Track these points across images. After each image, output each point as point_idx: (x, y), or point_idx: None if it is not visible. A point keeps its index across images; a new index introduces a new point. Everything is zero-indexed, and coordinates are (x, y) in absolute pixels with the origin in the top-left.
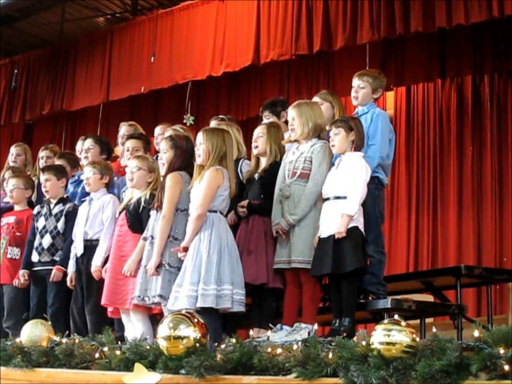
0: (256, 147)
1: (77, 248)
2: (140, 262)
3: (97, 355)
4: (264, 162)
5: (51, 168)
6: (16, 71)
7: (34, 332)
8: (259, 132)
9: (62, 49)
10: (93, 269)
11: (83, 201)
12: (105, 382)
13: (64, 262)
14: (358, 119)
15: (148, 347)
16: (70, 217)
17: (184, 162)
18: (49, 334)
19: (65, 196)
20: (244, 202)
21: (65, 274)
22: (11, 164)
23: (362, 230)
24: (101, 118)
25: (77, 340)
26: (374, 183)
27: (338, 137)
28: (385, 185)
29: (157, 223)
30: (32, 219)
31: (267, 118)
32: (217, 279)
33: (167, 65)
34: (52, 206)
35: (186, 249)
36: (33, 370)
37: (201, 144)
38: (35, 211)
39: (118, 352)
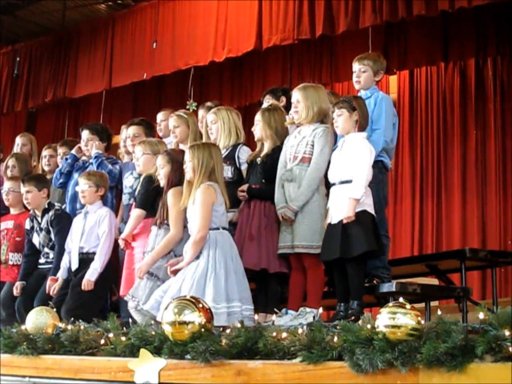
0: (256, 133)
1: (72, 263)
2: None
3: (102, 341)
4: (266, 147)
5: (31, 179)
6: (18, 59)
7: (39, 319)
8: (256, 119)
9: (64, 36)
10: (85, 282)
11: (77, 212)
12: (110, 368)
13: (56, 272)
14: (361, 98)
15: (153, 332)
16: (55, 224)
17: (181, 176)
18: (54, 321)
19: (46, 205)
20: (244, 186)
21: None
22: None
23: (372, 212)
24: (104, 105)
25: (82, 327)
26: (378, 167)
27: (342, 118)
28: (389, 169)
29: (158, 239)
30: (27, 234)
31: (267, 101)
32: (226, 297)
33: (170, 51)
34: (40, 220)
35: (176, 272)
36: (38, 357)
37: (189, 162)
38: (27, 225)
39: (123, 338)
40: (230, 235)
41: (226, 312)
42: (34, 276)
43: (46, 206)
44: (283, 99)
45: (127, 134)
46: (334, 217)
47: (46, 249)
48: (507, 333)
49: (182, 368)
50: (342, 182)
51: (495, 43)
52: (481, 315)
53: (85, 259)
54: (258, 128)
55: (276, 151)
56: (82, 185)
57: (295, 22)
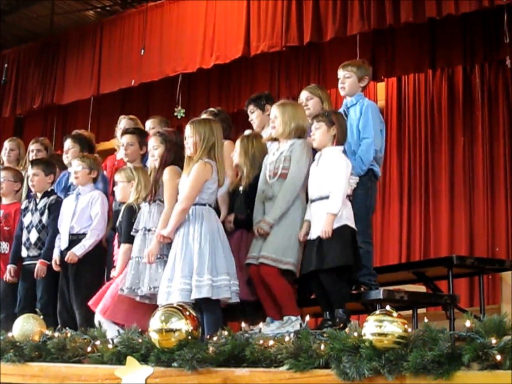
0: (235, 159)
1: (62, 242)
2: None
3: (89, 349)
4: (245, 175)
5: (40, 162)
6: (6, 65)
7: (26, 326)
8: (235, 146)
9: (52, 42)
10: (69, 255)
11: (70, 186)
12: (97, 375)
13: (47, 255)
14: (340, 113)
15: (140, 340)
16: (53, 210)
17: (175, 156)
18: (41, 328)
19: (49, 189)
20: (230, 217)
21: (49, 267)
22: (5, 158)
23: (352, 225)
24: (92, 111)
25: (69, 334)
26: (368, 175)
27: (319, 131)
28: (378, 177)
29: (150, 215)
30: (20, 214)
31: (252, 112)
32: (211, 270)
33: (158, 58)
34: (38, 200)
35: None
36: (25, 364)
37: (190, 137)
38: (23, 206)
39: (110, 346)
40: (215, 213)
41: (210, 285)
42: (23, 278)
43: (49, 190)
44: (268, 107)
45: (121, 143)
46: (313, 233)
47: (32, 232)
48: (493, 341)
49: (169, 376)
50: (321, 198)
51: (482, 50)
52: (468, 323)
53: (75, 240)
54: (236, 155)
55: (256, 179)
56: (75, 166)
57: (283, 29)
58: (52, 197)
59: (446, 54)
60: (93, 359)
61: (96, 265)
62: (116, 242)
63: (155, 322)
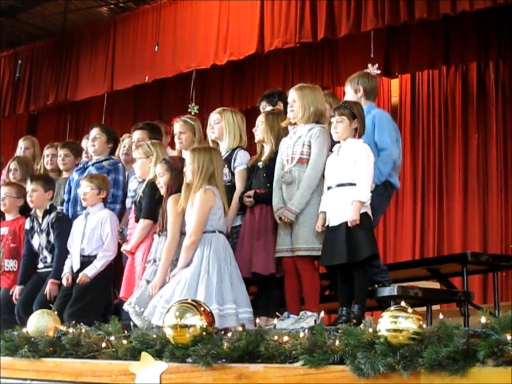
0: (257, 135)
1: (74, 264)
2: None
3: (103, 345)
4: (267, 150)
5: (39, 178)
6: (20, 62)
7: (40, 322)
8: (258, 121)
9: (66, 39)
10: (81, 277)
11: (79, 214)
12: (112, 371)
13: (56, 275)
14: (360, 104)
15: (154, 336)
16: (56, 227)
17: (181, 183)
18: (55, 324)
19: (48, 207)
20: (251, 192)
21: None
22: None
23: (371, 215)
24: (106, 108)
25: (83, 330)
26: (384, 184)
27: (342, 124)
28: (396, 188)
29: (159, 247)
30: (26, 234)
31: (264, 108)
32: (218, 299)
33: (171, 54)
34: (40, 220)
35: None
36: (39, 360)
37: (189, 164)
38: (27, 225)
39: (124, 342)
40: (225, 239)
41: (217, 314)
42: (33, 279)
43: (48, 208)
44: (280, 104)
45: (133, 139)
46: (332, 220)
47: (45, 252)
48: (509, 337)
49: (183, 372)
50: (340, 185)
51: (496, 46)
52: (483, 319)
53: (87, 262)
54: (260, 130)
55: (277, 155)
56: (84, 187)
57: (297, 26)
58: (52, 215)
59: (460, 50)
60: (107, 355)
61: (102, 284)
62: (131, 215)
63: (170, 318)
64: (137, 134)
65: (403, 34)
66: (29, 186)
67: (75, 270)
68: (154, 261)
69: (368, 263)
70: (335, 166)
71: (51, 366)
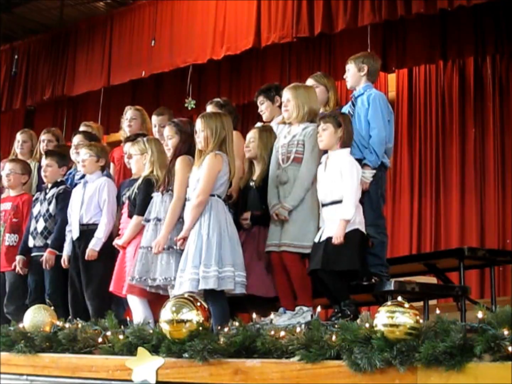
0: (249, 151)
1: (73, 232)
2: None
3: (100, 340)
4: (258, 169)
5: (54, 153)
6: (16, 57)
7: (37, 317)
8: (251, 137)
9: (62, 34)
10: (89, 252)
11: (76, 184)
12: (108, 366)
13: (56, 245)
14: (347, 115)
15: (151, 331)
16: (61, 199)
17: (189, 146)
18: (52, 319)
19: (59, 180)
20: (247, 214)
21: (57, 257)
22: (18, 150)
23: (363, 230)
24: (102, 103)
25: (80, 325)
26: (378, 166)
27: (326, 132)
28: (387, 167)
29: (162, 205)
30: (31, 205)
31: (261, 103)
32: (218, 261)
33: (168, 49)
34: (47, 191)
35: (185, 238)
36: (36, 355)
37: (201, 131)
38: (34, 197)
39: (121, 337)
40: (224, 204)
41: (216, 276)
42: (32, 269)
43: (58, 181)
44: (278, 98)
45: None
46: (323, 235)
47: (40, 221)
48: (505, 332)
49: (180, 367)
50: (333, 203)
51: (494, 41)
52: (480, 314)
53: (86, 231)
54: (253, 146)
55: (272, 155)
56: (83, 154)
57: (293, 20)
58: (61, 187)
59: (458, 45)
60: (104, 350)
61: (108, 255)
62: (124, 210)
63: (166, 313)
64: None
65: (400, 29)
66: (44, 161)
67: (74, 238)
68: (157, 219)
69: (343, 276)
70: (325, 182)
71: (47, 361)
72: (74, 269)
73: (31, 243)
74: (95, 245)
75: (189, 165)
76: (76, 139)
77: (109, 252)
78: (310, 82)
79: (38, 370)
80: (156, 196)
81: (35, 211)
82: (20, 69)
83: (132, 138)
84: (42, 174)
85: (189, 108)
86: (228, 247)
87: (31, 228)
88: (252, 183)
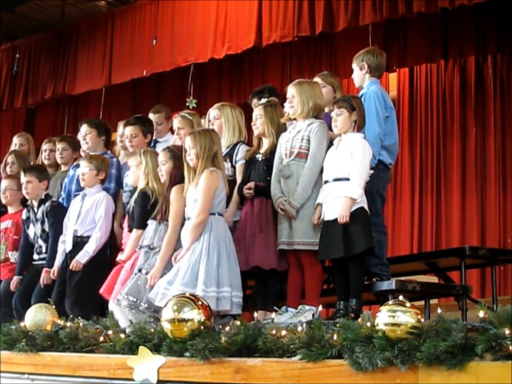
0: (257, 128)
1: (67, 244)
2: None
3: (101, 339)
4: (266, 143)
5: (33, 169)
6: (17, 55)
7: (38, 316)
8: (257, 114)
9: (64, 33)
10: (74, 263)
11: (76, 195)
12: (109, 365)
13: (51, 263)
14: (359, 98)
15: (152, 330)
16: (50, 215)
17: (183, 172)
18: (53, 318)
19: (43, 196)
20: (251, 184)
21: None
22: None
23: (367, 209)
24: (104, 101)
25: (81, 324)
26: (376, 165)
27: (341, 117)
28: (387, 164)
29: (156, 234)
30: (23, 224)
31: (255, 106)
32: (217, 281)
33: (169, 48)
34: (36, 210)
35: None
36: (37, 354)
37: (191, 148)
38: (24, 216)
39: (122, 336)
40: (224, 221)
41: (215, 297)
42: (30, 272)
43: (43, 197)
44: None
45: (125, 135)
46: (328, 214)
47: (40, 241)
48: (507, 331)
49: (181, 366)
50: (336, 180)
51: (495, 40)
52: (481, 314)
53: (79, 243)
54: (260, 123)
55: (276, 147)
56: (83, 167)
57: (295, 19)
58: (47, 204)
59: (459, 44)
60: (105, 349)
61: (97, 272)
62: (125, 225)
63: (168, 312)
64: (129, 130)
65: (401, 28)
66: (23, 178)
67: (67, 250)
68: (149, 248)
69: (364, 256)
70: (333, 160)
71: (49, 360)
72: (60, 278)
73: (35, 256)
74: (82, 257)
75: (182, 192)
76: (83, 129)
77: (95, 266)
78: (316, 80)
79: (39, 369)
80: (151, 224)
81: (30, 233)
82: (21, 68)
83: (131, 122)
84: (24, 191)
85: (191, 107)
86: (226, 267)
87: (36, 245)
88: (258, 156)
